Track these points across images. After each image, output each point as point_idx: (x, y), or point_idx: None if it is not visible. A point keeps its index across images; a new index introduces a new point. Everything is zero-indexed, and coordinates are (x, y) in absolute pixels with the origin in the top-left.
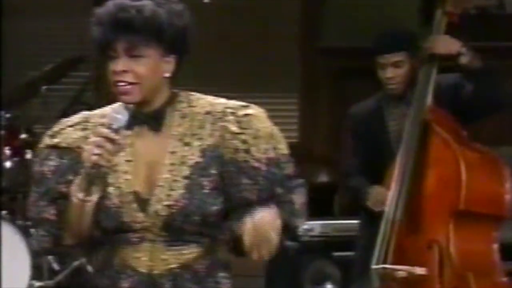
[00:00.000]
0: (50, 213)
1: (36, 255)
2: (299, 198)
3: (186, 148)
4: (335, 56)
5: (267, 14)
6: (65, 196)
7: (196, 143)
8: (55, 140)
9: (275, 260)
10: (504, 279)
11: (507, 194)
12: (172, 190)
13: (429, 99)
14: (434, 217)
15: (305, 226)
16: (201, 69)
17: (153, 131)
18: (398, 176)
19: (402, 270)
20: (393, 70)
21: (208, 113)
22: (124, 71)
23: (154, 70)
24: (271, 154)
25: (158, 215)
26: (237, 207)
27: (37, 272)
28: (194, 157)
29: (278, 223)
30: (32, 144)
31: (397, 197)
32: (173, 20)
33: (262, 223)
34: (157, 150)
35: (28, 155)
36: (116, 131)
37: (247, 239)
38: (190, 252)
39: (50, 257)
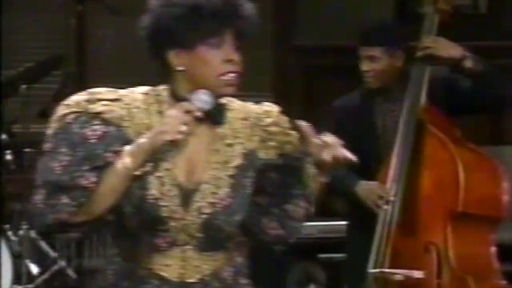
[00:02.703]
0: (89, 180)
1: (16, 258)
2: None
3: (229, 149)
4: (309, 54)
5: None
6: (108, 166)
7: (238, 146)
8: (99, 109)
9: (259, 261)
10: (503, 281)
11: (503, 195)
12: (218, 188)
13: (423, 99)
14: (431, 219)
15: None
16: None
17: (213, 124)
18: (393, 177)
19: (399, 274)
20: (368, 64)
21: (244, 118)
22: (239, 61)
23: None
24: (297, 138)
25: (200, 213)
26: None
27: (16, 276)
28: (237, 159)
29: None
30: (11, 145)
31: (394, 199)
32: None
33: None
34: (198, 145)
35: (8, 156)
36: (203, 113)
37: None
38: (219, 258)
39: (28, 261)
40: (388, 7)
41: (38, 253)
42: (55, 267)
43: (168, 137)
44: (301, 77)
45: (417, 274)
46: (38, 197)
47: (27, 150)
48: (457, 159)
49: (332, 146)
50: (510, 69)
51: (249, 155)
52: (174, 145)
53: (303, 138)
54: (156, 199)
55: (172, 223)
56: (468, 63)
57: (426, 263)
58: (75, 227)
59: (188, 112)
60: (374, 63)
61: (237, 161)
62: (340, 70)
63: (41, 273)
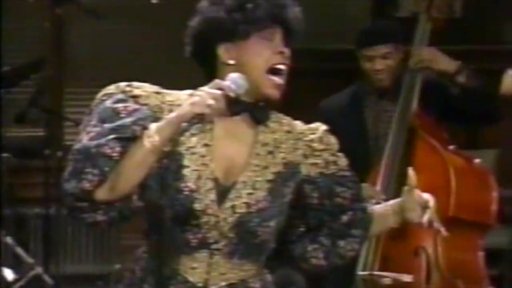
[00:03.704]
0: (114, 149)
1: None
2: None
3: (270, 156)
4: None
5: None
6: (135, 140)
7: (280, 155)
8: (135, 92)
9: None
10: (491, 287)
11: (493, 202)
12: (254, 189)
13: (415, 104)
14: (421, 223)
15: None
16: (167, 70)
17: (254, 121)
18: (383, 181)
19: (388, 277)
20: (382, 62)
21: (288, 132)
22: (289, 56)
23: None
24: (346, 163)
25: (234, 212)
26: (311, 226)
27: None
28: (278, 166)
29: None
30: None
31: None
32: None
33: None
34: (239, 146)
35: None
36: (235, 94)
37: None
38: (248, 268)
39: (4, 267)
40: (365, 11)
41: (15, 259)
42: (32, 273)
43: (197, 110)
44: None
45: (406, 277)
46: (66, 169)
47: (4, 155)
48: (449, 164)
49: (430, 210)
50: (484, 74)
51: (290, 166)
52: (202, 121)
53: (407, 185)
54: (192, 191)
55: (205, 218)
56: (461, 78)
57: (416, 267)
58: (102, 209)
59: (220, 89)
60: (388, 60)
61: (277, 169)
62: (316, 73)
63: (17, 279)
